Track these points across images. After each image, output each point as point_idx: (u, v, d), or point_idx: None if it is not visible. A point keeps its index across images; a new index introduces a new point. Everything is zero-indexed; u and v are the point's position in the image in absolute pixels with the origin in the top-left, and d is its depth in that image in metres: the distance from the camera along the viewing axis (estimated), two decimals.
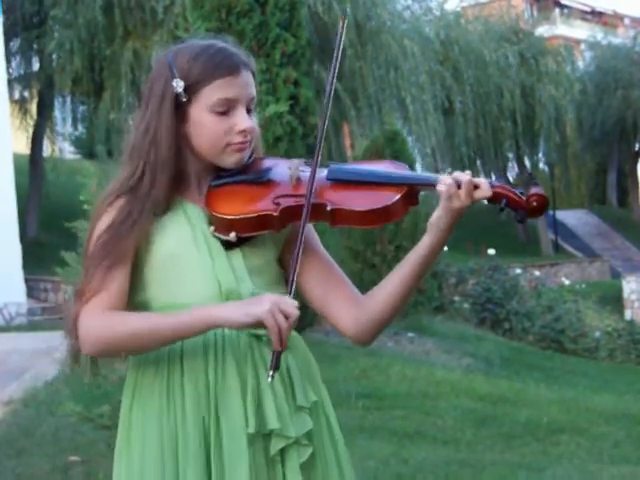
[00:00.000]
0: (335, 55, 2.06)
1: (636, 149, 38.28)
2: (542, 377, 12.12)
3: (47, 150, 23.59)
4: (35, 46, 21.88)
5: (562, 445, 7.39)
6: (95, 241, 2.01)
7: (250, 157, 2.11)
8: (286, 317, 1.87)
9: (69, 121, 24.52)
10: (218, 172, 2.08)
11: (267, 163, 2.12)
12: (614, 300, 20.55)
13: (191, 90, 2.01)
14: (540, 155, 34.16)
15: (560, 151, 31.83)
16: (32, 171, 22.59)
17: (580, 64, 35.60)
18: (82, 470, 5.65)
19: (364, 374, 9.37)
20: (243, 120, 2.03)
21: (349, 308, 2.09)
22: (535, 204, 1.95)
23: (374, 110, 22.02)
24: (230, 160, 2.06)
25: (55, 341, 10.52)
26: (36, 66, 22.39)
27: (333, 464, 2.06)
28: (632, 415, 8.67)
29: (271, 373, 1.90)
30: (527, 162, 33.77)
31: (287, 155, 10.28)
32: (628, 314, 20.51)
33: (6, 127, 16.32)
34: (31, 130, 23.30)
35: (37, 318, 15.99)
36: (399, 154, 13.42)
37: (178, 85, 2.01)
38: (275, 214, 2.00)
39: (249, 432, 1.94)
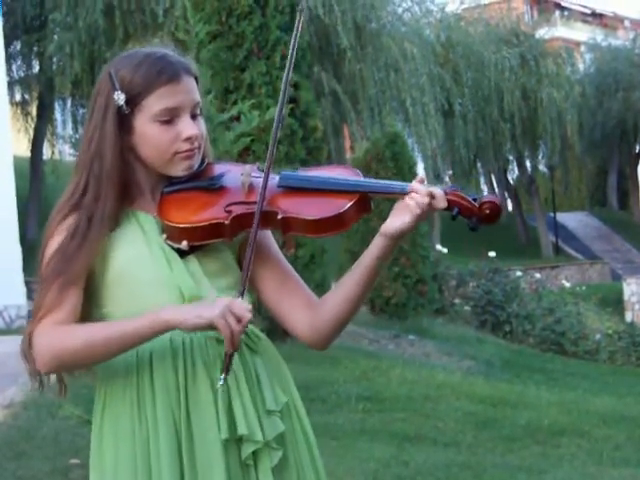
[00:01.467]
0: (292, 45, 2.02)
1: (637, 151, 38.31)
2: (543, 379, 12.12)
3: (47, 152, 23.61)
4: (35, 49, 21.90)
5: (562, 448, 7.38)
6: (47, 262, 2.00)
7: (202, 163, 2.09)
8: (238, 320, 1.86)
9: (69, 123, 24.51)
10: (171, 179, 2.06)
11: (220, 169, 2.10)
12: (615, 302, 20.56)
13: (133, 101, 1.99)
14: (540, 157, 34.18)
15: (560, 153, 31.83)
16: (32, 173, 22.60)
17: (580, 66, 35.63)
18: (82, 473, 5.64)
19: (364, 376, 9.36)
20: (188, 127, 2.01)
21: (304, 313, 2.07)
22: (488, 212, 1.93)
23: (374, 112, 22.05)
24: (179, 168, 2.04)
25: None
26: (36, 69, 22.41)
27: (308, 465, 2.06)
28: (632, 417, 8.66)
29: (223, 376, 1.91)
30: (527, 164, 33.80)
31: (287, 158, 10.27)
32: (629, 316, 20.51)
33: (6, 129, 16.31)
34: (31, 133, 23.31)
35: None
36: (399, 156, 13.42)
37: (119, 98, 1.99)
38: (226, 222, 1.98)
39: (222, 438, 1.94)
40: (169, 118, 2.00)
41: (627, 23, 48.72)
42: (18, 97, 23.25)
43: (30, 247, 18.81)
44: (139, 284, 1.99)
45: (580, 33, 43.88)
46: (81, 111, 24.15)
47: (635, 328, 17.25)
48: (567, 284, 20.89)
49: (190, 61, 2.08)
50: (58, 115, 24.26)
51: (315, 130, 10.32)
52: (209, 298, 1.99)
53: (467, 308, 16.26)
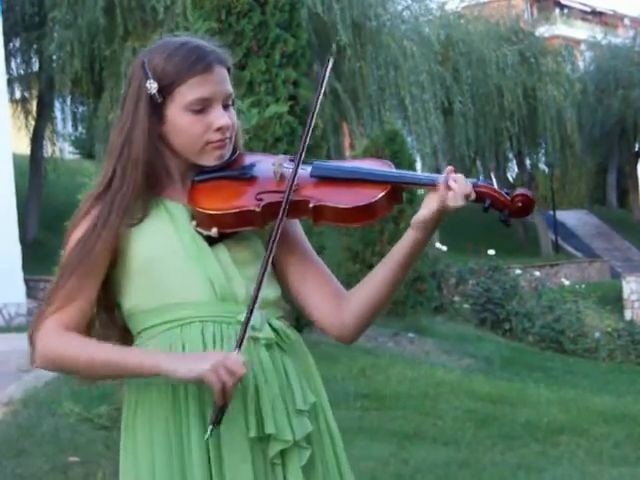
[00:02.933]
0: (319, 88, 2.05)
1: (636, 149, 38.29)
2: (542, 377, 12.12)
3: (47, 150, 23.59)
4: (35, 46, 21.88)
5: (562, 446, 7.38)
6: (69, 252, 2.00)
7: (234, 153, 2.10)
8: (232, 373, 1.85)
9: (69, 121, 24.51)
10: (202, 168, 2.07)
11: (251, 159, 2.11)
12: (614, 300, 20.54)
13: (165, 91, 2.00)
14: (540, 155, 34.16)
15: (560, 151, 31.82)
16: (32, 171, 22.59)
17: (580, 64, 35.62)
18: (81, 470, 5.65)
19: (363, 374, 9.37)
20: (219, 118, 2.02)
21: (332, 305, 2.07)
22: (520, 204, 1.94)
23: (374, 110, 22.03)
24: (210, 158, 2.04)
25: None
26: (36, 66, 22.39)
27: (333, 465, 2.05)
28: (632, 415, 8.66)
29: (210, 428, 1.89)
30: (527, 162, 33.79)
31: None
32: (628, 314, 20.50)
33: (6, 127, 16.32)
34: (31, 130, 23.30)
35: None
36: (399, 154, 13.42)
37: (152, 87, 2.00)
38: (257, 210, 1.98)
39: (250, 436, 1.93)
40: (201, 108, 2.01)
41: (627, 21, 48.68)
42: (18, 95, 23.23)
43: (30, 245, 18.83)
44: (169, 275, 1.99)
45: (580, 31, 43.86)
46: (81, 109, 24.15)
47: (634, 326, 17.23)
48: (566, 282, 20.87)
49: (225, 52, 2.08)
50: (58, 113, 24.24)
51: (315, 128, 10.32)
52: (241, 293, 1.99)
53: (466, 306, 16.25)
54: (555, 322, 16.14)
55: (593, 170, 40.69)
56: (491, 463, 6.58)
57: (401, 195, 2.03)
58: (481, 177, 2.01)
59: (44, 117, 23.13)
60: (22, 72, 22.68)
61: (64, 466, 5.77)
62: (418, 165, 21.98)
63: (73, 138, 31.26)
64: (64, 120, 24.62)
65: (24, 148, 23.24)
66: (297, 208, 1.99)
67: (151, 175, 2.03)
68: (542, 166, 36.41)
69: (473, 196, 1.94)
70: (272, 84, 9.98)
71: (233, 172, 2.06)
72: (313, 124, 2.04)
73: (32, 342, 1.99)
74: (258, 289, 1.95)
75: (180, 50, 2.02)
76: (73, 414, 5.15)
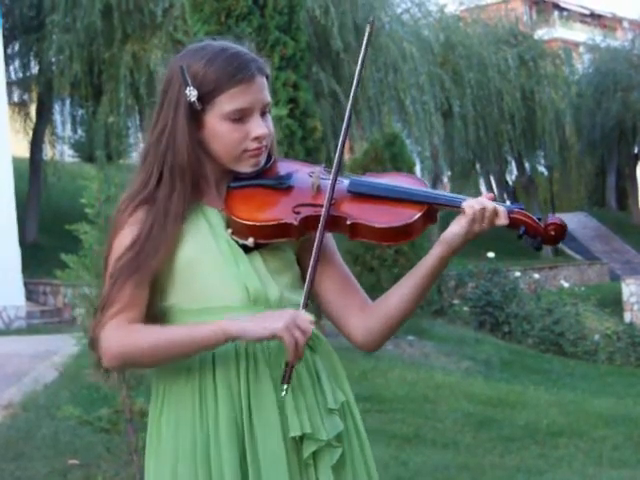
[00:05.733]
0: (361, 57, 2.19)
1: (635, 152, 38.29)
2: (541, 380, 12.12)
3: (47, 153, 23.58)
4: (34, 50, 21.88)
5: (561, 448, 7.39)
6: (119, 256, 1.99)
7: (269, 159, 2.11)
8: (302, 332, 1.89)
9: (68, 124, 24.48)
10: (237, 174, 2.08)
11: (287, 168, 2.11)
12: (613, 303, 20.54)
13: (205, 98, 2.01)
14: (539, 158, 34.17)
15: (559, 154, 31.82)
16: (31, 174, 22.58)
17: (579, 67, 35.62)
18: (81, 473, 5.65)
19: (363, 377, 9.37)
20: (257, 127, 2.03)
21: (360, 316, 2.10)
22: (553, 233, 1.96)
23: (373, 113, 22.04)
24: (247, 165, 2.06)
25: (54, 344, 10.52)
26: (35, 70, 22.38)
27: (361, 463, 2.07)
28: (631, 418, 8.67)
29: (285, 387, 1.93)
30: (526, 165, 33.80)
31: (286, 158, 10.25)
32: (627, 317, 20.48)
33: (5, 130, 16.32)
34: (30, 134, 23.29)
35: (36, 321, 15.99)
36: (398, 157, 13.41)
37: (191, 94, 2.00)
38: (295, 223, 1.99)
39: (292, 435, 1.95)
40: (239, 117, 2.02)
41: (626, 24, 48.72)
42: (17, 98, 23.22)
43: (29, 248, 18.82)
44: (205, 279, 2.00)
45: (579, 34, 43.87)
46: (80, 112, 24.14)
47: (634, 328, 17.22)
48: (566, 284, 20.88)
49: (263, 59, 2.10)
50: (57, 116, 24.21)
51: (315, 131, 10.32)
52: (274, 297, 2.02)
53: (466, 309, 16.25)
54: (554, 325, 16.14)
55: (592, 172, 40.69)
56: (490, 466, 6.58)
57: (436, 216, 2.04)
58: (509, 202, 2.03)
59: (43, 120, 23.12)
60: (21, 75, 22.65)
61: (64, 469, 5.77)
62: (417, 168, 21.97)
63: (72, 141, 31.26)
64: (63, 123, 24.58)
65: (23, 151, 23.22)
66: (335, 224, 2.00)
67: (193, 181, 2.05)
68: (541, 169, 36.43)
69: (506, 222, 1.97)
70: (271, 87, 9.98)
71: (270, 181, 2.07)
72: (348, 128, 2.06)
73: (95, 348, 1.99)
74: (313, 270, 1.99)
75: (220, 57, 2.02)
76: (73, 417, 5.15)
